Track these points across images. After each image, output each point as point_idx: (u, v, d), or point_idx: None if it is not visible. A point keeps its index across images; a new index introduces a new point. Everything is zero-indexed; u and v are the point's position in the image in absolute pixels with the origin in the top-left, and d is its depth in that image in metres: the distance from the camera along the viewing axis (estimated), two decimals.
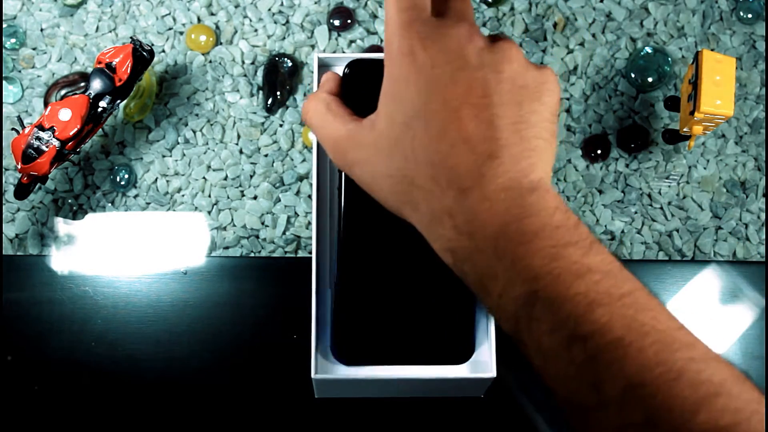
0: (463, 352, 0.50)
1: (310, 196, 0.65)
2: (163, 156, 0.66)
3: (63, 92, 0.67)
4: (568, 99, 0.68)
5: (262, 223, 0.65)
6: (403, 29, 0.38)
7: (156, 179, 0.66)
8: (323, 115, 0.42)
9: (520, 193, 0.37)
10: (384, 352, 0.50)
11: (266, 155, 0.66)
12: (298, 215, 0.65)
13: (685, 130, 0.62)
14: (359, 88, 0.44)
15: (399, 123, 0.38)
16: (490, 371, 0.52)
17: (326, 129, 0.42)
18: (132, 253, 0.64)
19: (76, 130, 0.59)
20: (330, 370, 0.52)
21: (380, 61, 0.42)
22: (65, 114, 0.59)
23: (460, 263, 0.38)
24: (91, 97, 0.60)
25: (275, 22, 0.69)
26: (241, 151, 0.66)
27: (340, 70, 0.59)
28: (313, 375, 0.51)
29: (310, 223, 0.64)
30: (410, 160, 0.38)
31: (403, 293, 0.49)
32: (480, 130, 0.37)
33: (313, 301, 0.52)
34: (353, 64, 0.47)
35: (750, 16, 0.69)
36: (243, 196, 0.65)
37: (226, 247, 0.64)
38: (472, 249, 0.37)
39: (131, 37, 0.62)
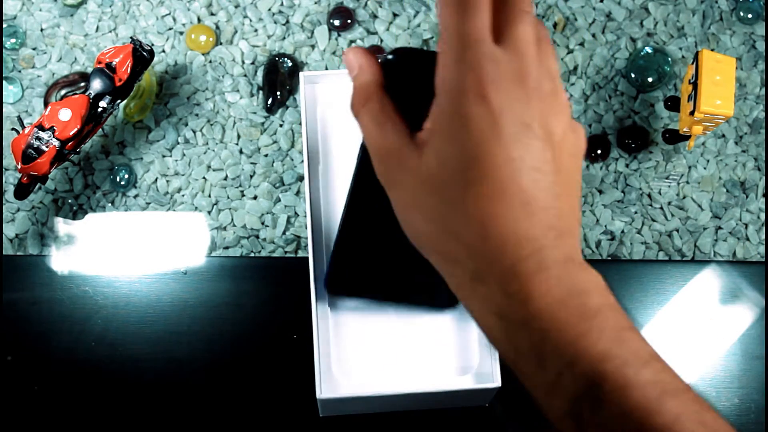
0: (451, 296, 0.50)
1: None
2: (163, 156, 0.66)
3: (63, 92, 0.67)
4: (568, 99, 0.68)
5: (262, 223, 0.65)
6: (469, 65, 0.34)
7: (156, 179, 0.66)
8: (376, 115, 0.38)
9: (575, 267, 0.36)
10: (375, 288, 0.50)
11: (266, 155, 0.66)
12: (298, 215, 0.65)
13: (685, 130, 0.62)
14: (403, 82, 0.39)
15: (452, 168, 0.35)
16: (495, 381, 0.52)
17: (376, 133, 0.38)
18: (132, 253, 0.64)
19: (76, 130, 0.59)
20: (335, 390, 0.52)
21: (429, 54, 0.38)
22: (65, 114, 0.59)
23: (513, 329, 0.36)
24: (91, 97, 0.60)
25: (275, 22, 0.69)
26: (241, 151, 0.66)
27: (324, 87, 0.59)
28: (318, 395, 0.51)
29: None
30: (458, 212, 0.35)
31: (400, 239, 0.48)
32: (540, 196, 0.35)
33: (314, 319, 0.52)
34: (400, 53, 0.41)
35: (750, 16, 0.69)
36: (243, 196, 0.65)
37: (226, 247, 0.64)
38: (528, 317, 0.35)
39: (131, 37, 0.62)
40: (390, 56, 0.41)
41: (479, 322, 0.38)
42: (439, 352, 0.54)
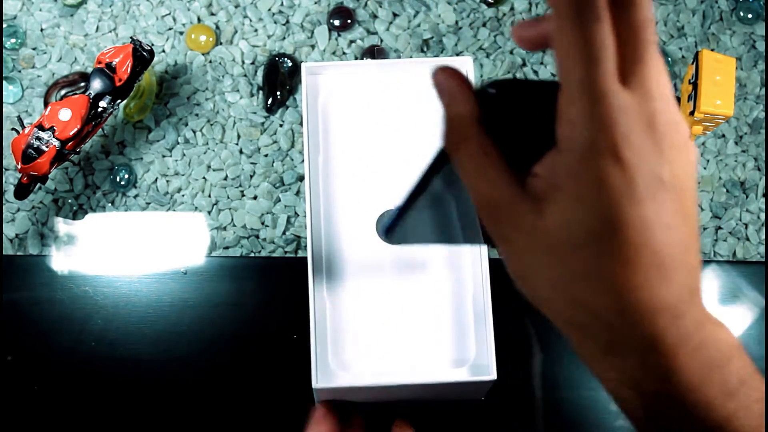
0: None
1: None
2: (163, 156, 0.66)
3: (63, 92, 0.67)
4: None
5: (262, 223, 0.65)
6: (599, 121, 0.31)
7: (156, 179, 0.66)
8: (477, 159, 0.35)
9: (710, 328, 0.34)
10: (424, 238, 0.50)
11: (266, 155, 0.66)
12: (298, 215, 0.65)
13: None
14: (503, 119, 0.35)
15: (579, 231, 0.32)
16: (491, 374, 0.52)
17: (479, 182, 0.35)
18: (132, 253, 0.64)
19: (76, 130, 0.59)
20: (331, 379, 0.52)
21: (532, 85, 0.35)
22: (65, 114, 0.59)
23: (653, 405, 0.34)
24: (91, 97, 0.60)
25: (275, 22, 0.69)
26: (241, 151, 0.66)
27: (326, 79, 0.59)
28: (314, 385, 0.51)
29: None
30: (587, 279, 0.33)
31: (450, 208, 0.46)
32: (674, 255, 0.33)
33: (311, 309, 0.52)
34: (500, 86, 0.36)
35: (750, 16, 0.69)
36: (243, 196, 0.65)
37: (226, 247, 0.64)
38: (670, 394, 0.34)
39: (131, 37, 0.62)
40: (489, 89, 0.36)
41: (613, 394, 0.36)
42: (435, 344, 0.54)
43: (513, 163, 0.35)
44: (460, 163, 0.36)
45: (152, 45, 0.68)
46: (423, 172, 0.42)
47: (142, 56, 0.62)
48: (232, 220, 0.65)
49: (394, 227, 0.49)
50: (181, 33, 0.69)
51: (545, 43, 0.35)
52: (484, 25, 0.69)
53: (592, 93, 0.31)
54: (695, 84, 0.60)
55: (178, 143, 0.66)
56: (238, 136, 0.66)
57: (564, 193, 0.32)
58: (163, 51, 0.68)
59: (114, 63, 0.61)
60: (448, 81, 0.36)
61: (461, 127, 0.36)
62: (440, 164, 0.40)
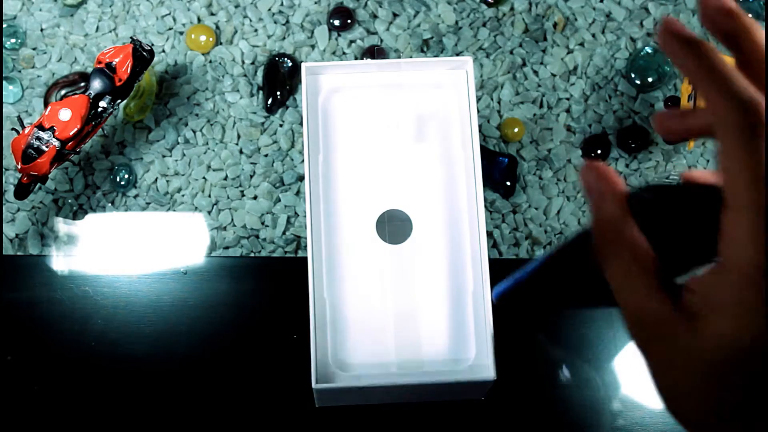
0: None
1: None
2: (163, 156, 0.66)
3: (63, 92, 0.67)
4: (568, 99, 0.68)
5: (262, 223, 0.65)
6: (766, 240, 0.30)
7: (156, 179, 0.66)
8: (628, 268, 0.33)
9: None
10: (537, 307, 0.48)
11: (266, 155, 0.66)
12: (298, 215, 0.65)
13: None
14: (656, 225, 0.33)
15: (742, 357, 0.31)
16: (490, 374, 0.52)
17: (629, 291, 0.33)
18: (132, 253, 0.64)
19: (76, 130, 0.59)
20: (330, 379, 0.52)
21: (689, 192, 0.33)
22: (65, 114, 0.59)
23: None
24: (91, 97, 0.60)
25: (275, 22, 0.69)
26: (241, 151, 0.66)
27: (329, 78, 0.59)
28: (314, 385, 0.51)
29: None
30: (747, 407, 0.32)
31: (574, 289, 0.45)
32: None
33: (311, 309, 0.52)
34: (656, 191, 0.34)
35: (750, 16, 0.69)
36: (243, 196, 0.65)
37: (226, 247, 0.64)
38: None
39: (131, 37, 0.62)
40: (644, 193, 0.34)
41: None
42: (435, 344, 0.54)
43: (664, 270, 0.33)
44: (608, 267, 0.34)
45: (152, 45, 0.68)
46: (553, 252, 0.40)
47: (142, 56, 0.62)
48: (232, 220, 0.65)
49: (508, 295, 0.47)
50: (181, 33, 0.69)
51: (693, 136, 0.34)
52: (484, 25, 0.69)
53: (761, 215, 0.30)
54: None
55: (178, 143, 0.66)
56: (238, 136, 0.66)
57: (724, 315, 0.31)
58: (163, 51, 0.68)
59: (114, 63, 0.61)
60: (597, 181, 0.34)
61: (610, 231, 0.34)
62: (573, 252, 0.39)
